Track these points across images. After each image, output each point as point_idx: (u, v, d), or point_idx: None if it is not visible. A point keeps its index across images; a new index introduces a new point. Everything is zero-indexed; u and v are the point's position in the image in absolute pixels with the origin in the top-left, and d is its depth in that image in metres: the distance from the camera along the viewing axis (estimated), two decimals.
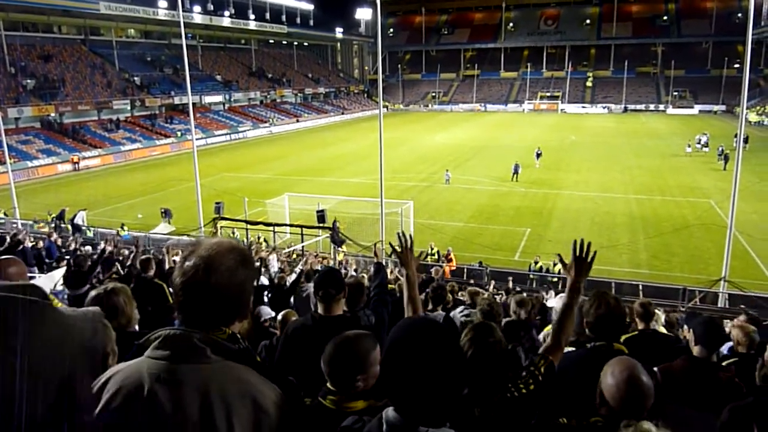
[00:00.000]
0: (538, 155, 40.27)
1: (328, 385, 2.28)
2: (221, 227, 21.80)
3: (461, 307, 5.91)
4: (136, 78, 61.71)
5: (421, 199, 29.02)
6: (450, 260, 19.20)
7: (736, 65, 79.25)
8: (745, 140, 38.62)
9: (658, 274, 19.31)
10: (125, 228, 22.83)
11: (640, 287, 16.22)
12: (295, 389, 1.65)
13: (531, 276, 18.37)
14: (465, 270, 18.87)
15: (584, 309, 3.26)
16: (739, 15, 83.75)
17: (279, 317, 4.87)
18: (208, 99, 67.28)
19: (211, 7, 70.25)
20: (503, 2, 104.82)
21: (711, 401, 3.33)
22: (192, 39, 72.40)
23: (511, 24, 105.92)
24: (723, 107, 79.25)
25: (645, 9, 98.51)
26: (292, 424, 1.55)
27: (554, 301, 4.85)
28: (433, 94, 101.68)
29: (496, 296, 10.64)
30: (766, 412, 2.72)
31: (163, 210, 25.92)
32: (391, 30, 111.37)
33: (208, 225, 21.68)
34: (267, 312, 5.86)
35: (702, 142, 45.28)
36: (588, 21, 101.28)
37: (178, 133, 56.72)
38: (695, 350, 3.51)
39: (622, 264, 20.55)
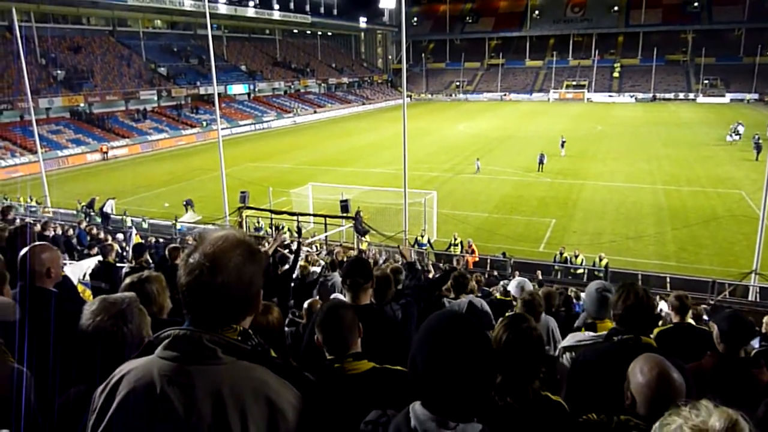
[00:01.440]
0: (563, 144, 39.85)
1: (327, 355, 2.38)
2: (246, 216, 22.05)
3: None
4: (162, 68, 62.48)
5: (444, 190, 28.92)
6: (472, 252, 19.15)
7: None
8: None
9: (686, 266, 18.96)
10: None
11: (668, 279, 15.98)
12: (312, 386, 1.62)
13: (556, 267, 18.22)
14: (489, 261, 18.79)
15: (611, 301, 3.22)
16: None
17: (305, 306, 4.93)
18: (233, 89, 67.79)
19: None
20: None
21: (741, 398, 3.28)
22: (217, 29, 72.88)
23: (536, 12, 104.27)
24: (755, 96, 77.21)
25: None
26: (311, 423, 1.51)
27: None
28: (458, 83, 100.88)
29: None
30: None
31: (185, 202, 26.27)
32: (415, 19, 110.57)
33: (233, 214, 21.94)
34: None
35: (735, 131, 44.28)
36: (616, 8, 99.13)
37: (204, 123, 57.33)
38: (720, 347, 3.44)
39: (649, 255, 20.26)
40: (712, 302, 13.46)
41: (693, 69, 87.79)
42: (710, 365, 3.40)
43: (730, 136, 43.97)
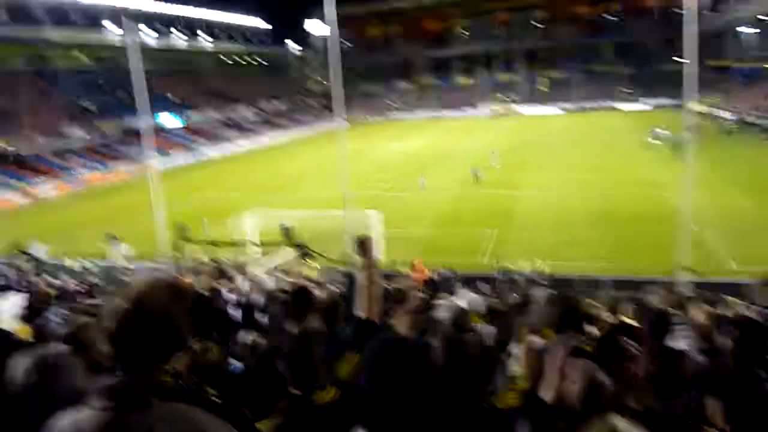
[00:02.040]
0: (494, 156, 41.56)
1: (292, 390, 2.39)
2: (187, 250, 21.48)
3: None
4: (89, 103, 60.37)
5: (385, 208, 29.05)
6: (420, 271, 19.28)
7: (683, 60, 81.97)
8: (697, 131, 40.17)
9: (619, 267, 19.80)
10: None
11: (601, 282, 16.64)
12: (248, 422, 1.65)
13: (500, 278, 18.62)
14: (435, 277, 18.98)
15: (548, 311, 3.39)
16: (682, 11, 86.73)
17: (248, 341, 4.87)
18: (165, 121, 66.22)
19: (161, 26, 69.56)
20: (455, 11, 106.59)
21: (667, 388, 3.51)
22: (147, 62, 71.26)
23: (463, 31, 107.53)
24: (671, 101, 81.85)
25: (591, 10, 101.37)
26: None
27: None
28: (392, 104, 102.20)
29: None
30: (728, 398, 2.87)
31: (108, 236, 25.07)
32: (348, 43, 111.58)
33: (173, 248, 21.34)
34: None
35: (657, 135, 47.06)
36: (538, 23, 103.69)
37: (136, 158, 55.64)
38: (647, 341, 3.67)
39: (584, 259, 21.03)
40: (643, 300, 14.06)
41: (613, 79, 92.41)
42: (640, 360, 3.62)
43: (652, 139, 46.65)
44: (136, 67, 21.39)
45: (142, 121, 23.65)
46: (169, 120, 67.09)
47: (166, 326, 1.52)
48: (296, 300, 3.64)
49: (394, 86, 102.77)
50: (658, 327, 3.67)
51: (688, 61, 16.27)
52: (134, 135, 60.62)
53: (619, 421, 1.77)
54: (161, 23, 71.71)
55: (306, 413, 2.30)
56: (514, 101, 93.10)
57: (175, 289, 1.57)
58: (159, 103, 68.18)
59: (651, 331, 3.70)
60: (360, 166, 43.60)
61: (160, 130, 64.20)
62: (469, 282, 17.08)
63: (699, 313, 5.35)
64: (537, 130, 64.80)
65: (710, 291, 13.62)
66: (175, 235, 22.11)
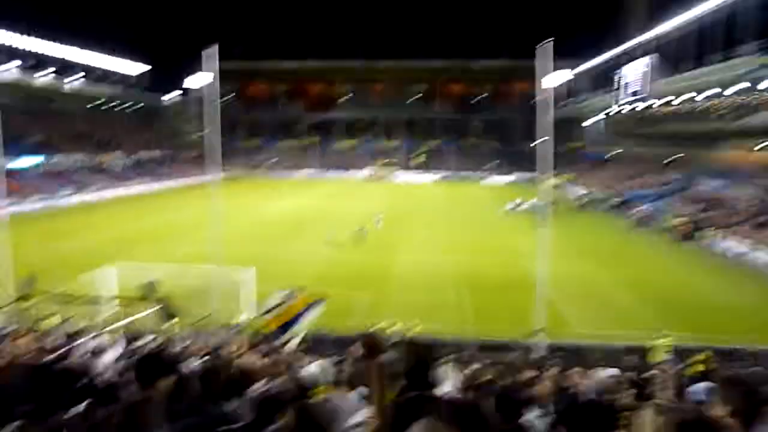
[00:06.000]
0: (378, 221, 43.16)
1: None
2: (35, 303, 19.50)
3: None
4: None
5: (262, 268, 28.47)
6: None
7: (545, 138, 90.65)
8: (553, 204, 44.26)
9: (484, 329, 20.79)
10: None
11: (464, 344, 17.41)
12: None
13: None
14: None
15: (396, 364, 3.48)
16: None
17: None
18: (21, 163, 60.86)
19: (33, 62, 65.05)
20: (339, 76, 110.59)
21: None
22: (6, 97, 65.77)
23: (346, 96, 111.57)
24: (535, 174, 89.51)
25: (465, 90, 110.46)
26: None
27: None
28: (274, 160, 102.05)
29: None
30: None
31: None
32: (231, 94, 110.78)
33: (19, 302, 19.26)
34: None
35: (519, 205, 51.42)
36: (420, 95, 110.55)
37: None
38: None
39: (451, 323, 21.84)
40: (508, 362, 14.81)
41: (483, 152, 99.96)
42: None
43: (510, 209, 51.26)
44: None
45: None
46: (26, 162, 61.65)
47: None
48: (142, 368, 3.47)
49: (276, 144, 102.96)
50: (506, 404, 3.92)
51: (545, 140, 18.10)
52: None
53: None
54: (29, 59, 66.80)
55: None
56: (392, 165, 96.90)
57: None
58: (16, 144, 62.76)
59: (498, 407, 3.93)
60: (237, 224, 42.63)
61: (13, 173, 58.80)
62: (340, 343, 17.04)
63: (545, 387, 5.78)
64: (414, 195, 67.58)
65: (563, 354, 14.73)
66: (22, 288, 20.02)
